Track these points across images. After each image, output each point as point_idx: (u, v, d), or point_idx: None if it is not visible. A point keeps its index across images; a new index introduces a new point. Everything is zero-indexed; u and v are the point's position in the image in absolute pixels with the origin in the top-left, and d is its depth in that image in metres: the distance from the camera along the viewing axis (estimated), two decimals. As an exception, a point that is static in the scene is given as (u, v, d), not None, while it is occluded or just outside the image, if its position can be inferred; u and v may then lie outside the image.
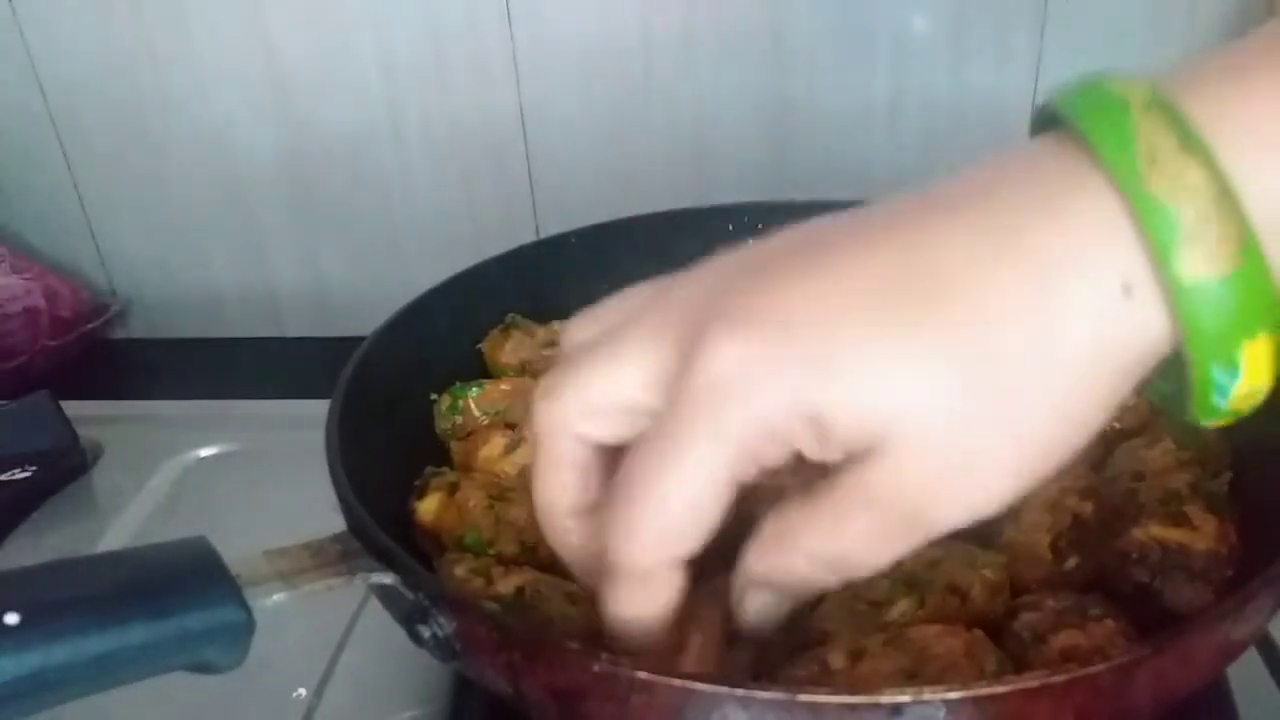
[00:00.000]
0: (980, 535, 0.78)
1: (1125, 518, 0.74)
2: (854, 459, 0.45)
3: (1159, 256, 0.40)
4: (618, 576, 0.51)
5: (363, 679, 0.85)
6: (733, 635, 0.60)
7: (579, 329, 0.55)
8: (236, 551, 0.61)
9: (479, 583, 0.72)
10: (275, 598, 0.61)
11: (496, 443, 0.85)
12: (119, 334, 1.45)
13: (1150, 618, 0.68)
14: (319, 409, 0.78)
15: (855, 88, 1.20)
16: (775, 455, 0.46)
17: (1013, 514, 0.77)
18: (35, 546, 1.01)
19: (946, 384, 0.42)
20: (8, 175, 1.37)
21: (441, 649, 0.64)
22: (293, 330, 1.42)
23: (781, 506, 0.50)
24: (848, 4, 1.14)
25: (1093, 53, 1.16)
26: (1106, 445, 0.84)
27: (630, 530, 0.49)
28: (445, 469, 0.84)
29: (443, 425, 0.90)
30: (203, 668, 0.59)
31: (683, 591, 0.53)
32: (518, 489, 0.82)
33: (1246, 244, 0.39)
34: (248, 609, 0.59)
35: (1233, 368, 0.41)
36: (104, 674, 0.55)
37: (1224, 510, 0.74)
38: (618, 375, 0.49)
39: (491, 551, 0.77)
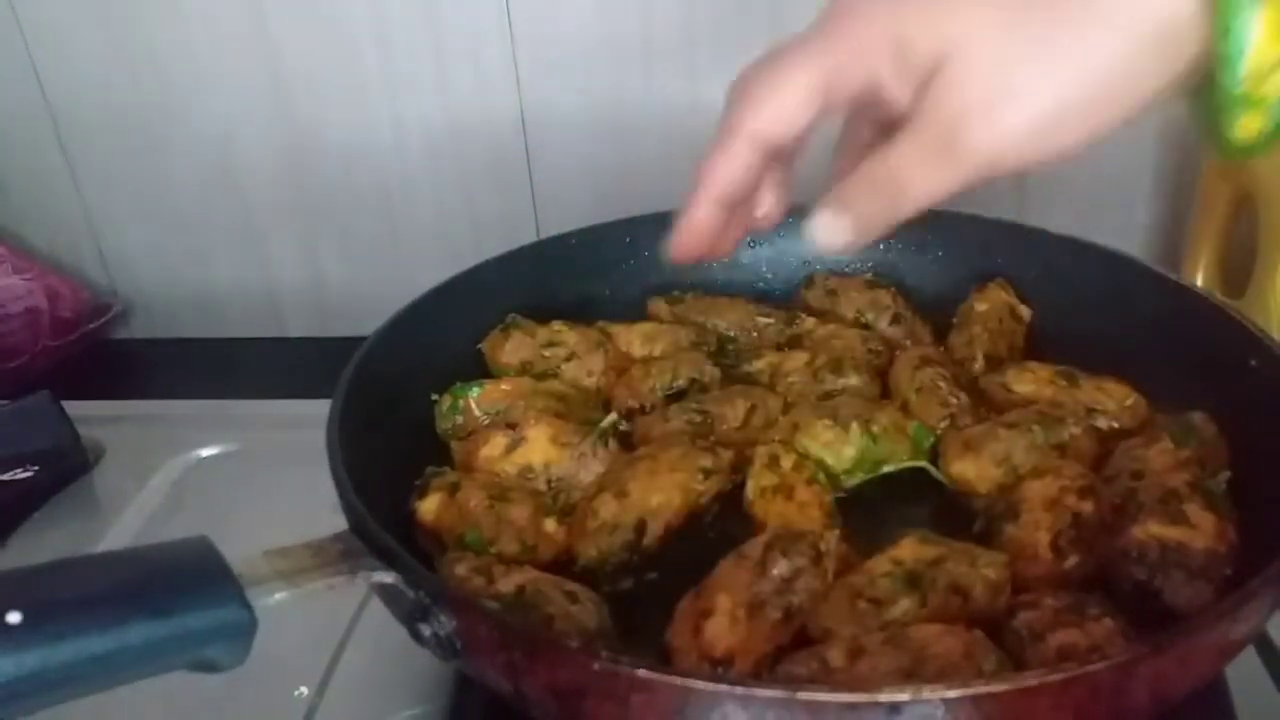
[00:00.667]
0: (981, 534, 0.79)
1: (1125, 516, 0.74)
2: (920, 96, 0.54)
3: None
4: (718, 139, 0.61)
5: (364, 677, 0.85)
6: None
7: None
8: (238, 551, 0.61)
9: (480, 581, 0.72)
10: (277, 597, 0.61)
11: (497, 442, 0.86)
12: (120, 334, 1.45)
13: (1150, 616, 0.69)
14: (320, 409, 0.78)
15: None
16: (859, 76, 0.56)
17: (1013, 513, 0.77)
18: (37, 546, 1.02)
19: (1004, 16, 0.51)
20: (9, 175, 1.37)
21: (442, 647, 0.64)
22: (294, 330, 1.42)
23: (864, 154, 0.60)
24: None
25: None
26: (1105, 445, 0.85)
27: (733, 101, 0.60)
28: (446, 469, 0.84)
29: (443, 425, 0.90)
30: (205, 667, 0.59)
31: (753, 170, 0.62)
32: (518, 489, 0.82)
33: None
34: (249, 608, 0.59)
35: (1242, 36, 0.47)
36: (106, 673, 0.55)
37: (1223, 509, 0.75)
38: (795, 87, 0.58)
39: (492, 550, 0.78)
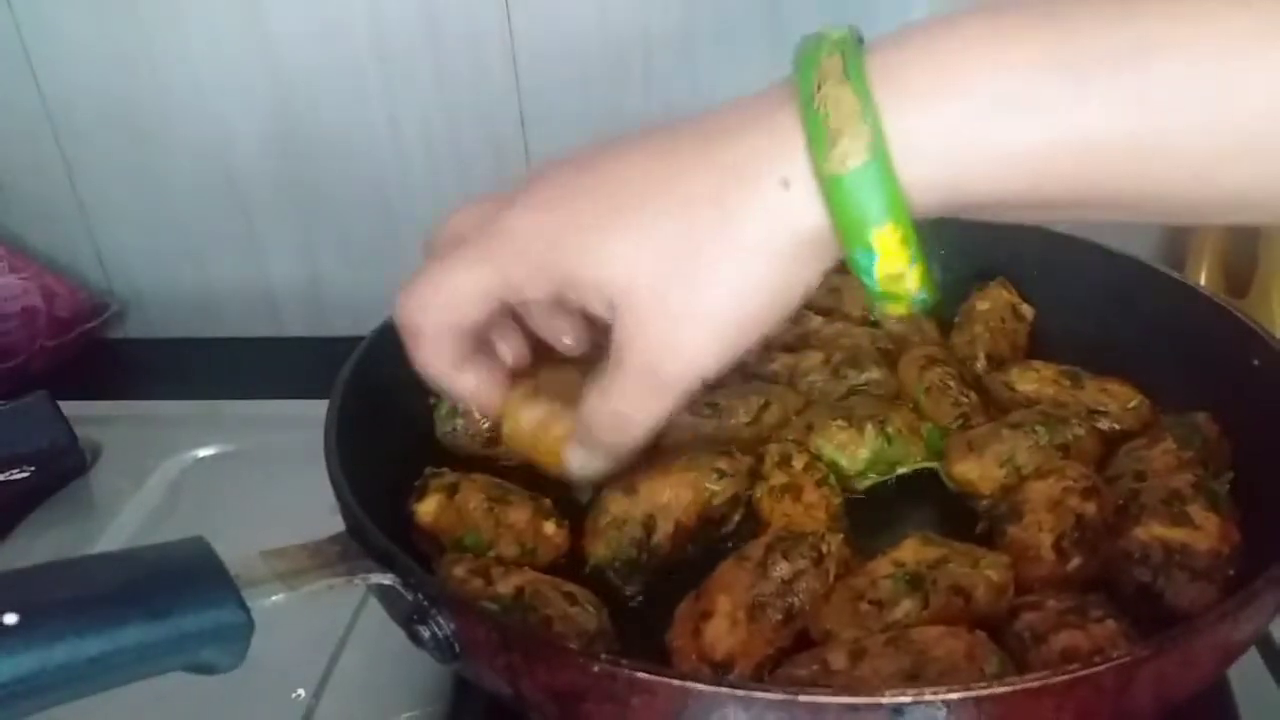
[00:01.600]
0: (984, 535, 0.79)
1: (1128, 517, 0.74)
2: (609, 317, 0.57)
3: (812, 154, 0.50)
4: (406, 338, 0.65)
5: (362, 680, 0.85)
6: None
7: (434, 236, 0.67)
8: (235, 552, 0.61)
9: (478, 583, 0.72)
10: (274, 598, 0.61)
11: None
12: (117, 334, 1.44)
13: (1153, 617, 0.68)
14: (317, 409, 0.78)
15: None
16: (540, 294, 0.59)
17: (1016, 514, 0.77)
18: (33, 547, 1.01)
19: (654, 259, 0.55)
20: (5, 175, 1.37)
21: (441, 650, 0.64)
22: (291, 330, 1.42)
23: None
24: (847, 2, 1.14)
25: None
26: (1108, 445, 0.85)
27: (410, 299, 0.64)
28: (445, 470, 0.84)
29: (444, 429, 0.90)
30: (201, 668, 0.59)
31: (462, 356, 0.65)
32: (517, 491, 0.82)
33: (876, 148, 0.49)
34: (246, 610, 0.58)
35: (868, 250, 0.51)
36: (102, 674, 0.55)
37: (1226, 509, 0.74)
38: (455, 285, 0.62)
39: (491, 553, 0.77)
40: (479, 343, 0.67)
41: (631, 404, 0.60)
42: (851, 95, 0.49)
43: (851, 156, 0.49)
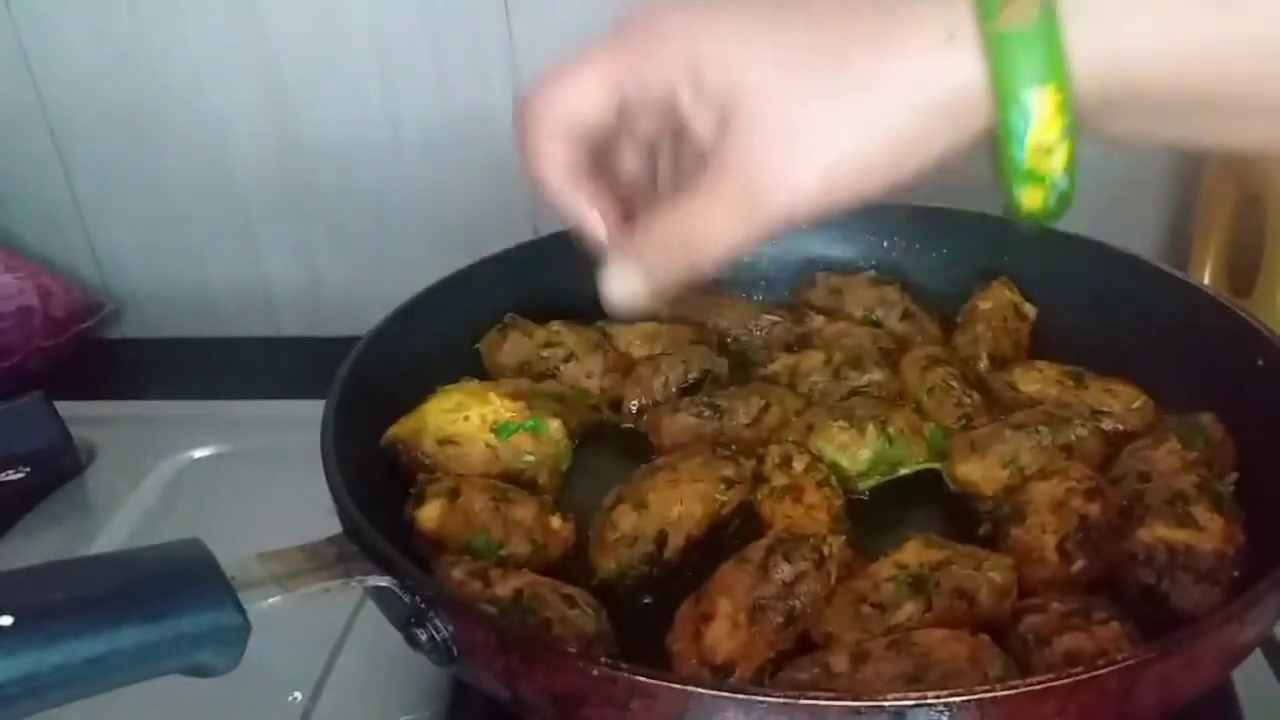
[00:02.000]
0: (987, 537, 0.78)
1: (1132, 518, 0.74)
2: (716, 138, 0.55)
3: (979, 14, 0.49)
4: (523, 133, 0.61)
5: (359, 683, 0.84)
6: None
7: None
8: (231, 554, 0.60)
9: (477, 585, 0.71)
10: (270, 600, 0.60)
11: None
12: (113, 334, 1.44)
13: (1157, 619, 0.68)
14: (314, 410, 0.78)
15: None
16: (658, 85, 0.56)
17: (1019, 515, 0.77)
18: (29, 548, 1.01)
19: (794, 69, 0.52)
20: (2, 174, 1.36)
21: (439, 652, 0.64)
22: (288, 330, 1.42)
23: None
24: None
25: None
26: (1112, 446, 0.84)
27: (534, 92, 0.60)
28: (439, 475, 0.83)
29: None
30: (198, 671, 0.59)
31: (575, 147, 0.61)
32: (516, 489, 0.81)
33: (1044, 10, 0.48)
34: (243, 612, 0.58)
35: (1025, 112, 0.50)
36: (98, 676, 0.55)
37: (1231, 510, 0.74)
38: (587, 70, 0.59)
39: (503, 552, 0.77)
40: (592, 160, 0.62)
41: (711, 222, 0.56)
42: None
43: (1022, 14, 0.48)
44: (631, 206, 0.64)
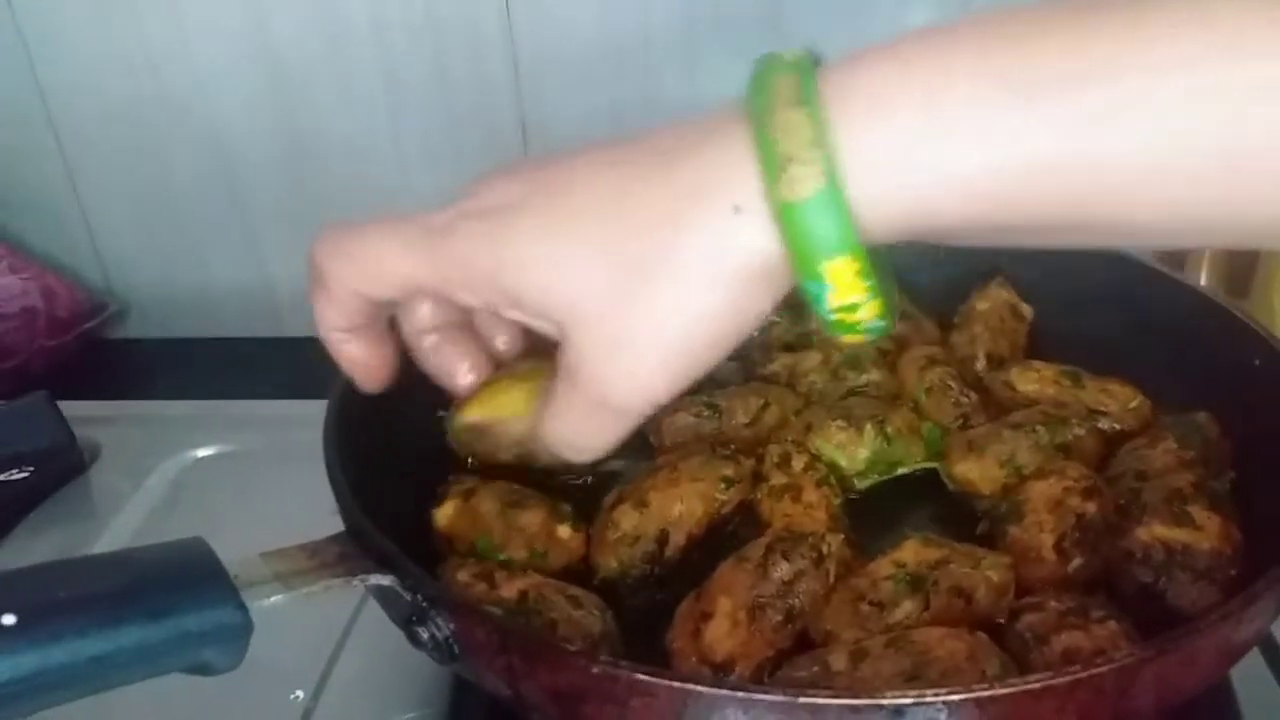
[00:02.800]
0: (985, 536, 0.78)
1: (1129, 517, 0.74)
2: (559, 349, 0.56)
3: (764, 181, 0.48)
4: (312, 274, 0.62)
5: (361, 681, 0.85)
6: None
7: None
8: (234, 553, 0.60)
9: (482, 587, 0.71)
10: (273, 599, 0.60)
11: None
12: (116, 334, 1.44)
13: (1154, 618, 0.68)
14: (317, 409, 0.78)
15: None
16: (479, 303, 0.58)
17: (1017, 514, 0.77)
18: (32, 547, 1.01)
19: (603, 283, 0.52)
20: (5, 175, 1.37)
21: (440, 651, 0.64)
22: (291, 329, 1.41)
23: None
24: (846, 2, 1.14)
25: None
26: (1109, 445, 0.84)
27: (333, 245, 0.62)
28: (465, 476, 0.84)
29: (454, 437, 0.89)
30: (200, 669, 0.59)
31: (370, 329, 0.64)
32: (534, 494, 0.82)
33: (829, 174, 0.47)
34: (245, 610, 0.58)
35: (819, 282, 0.49)
36: (101, 675, 0.55)
37: (1227, 509, 0.74)
38: (384, 257, 0.60)
39: (502, 556, 0.77)
40: (379, 316, 0.64)
41: (584, 428, 0.58)
42: (805, 119, 0.47)
43: (802, 183, 0.47)
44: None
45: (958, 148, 0.47)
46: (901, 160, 0.47)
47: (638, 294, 0.52)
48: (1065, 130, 0.45)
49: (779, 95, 0.48)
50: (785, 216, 0.48)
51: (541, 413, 0.60)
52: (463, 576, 0.73)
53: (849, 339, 0.54)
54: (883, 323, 0.52)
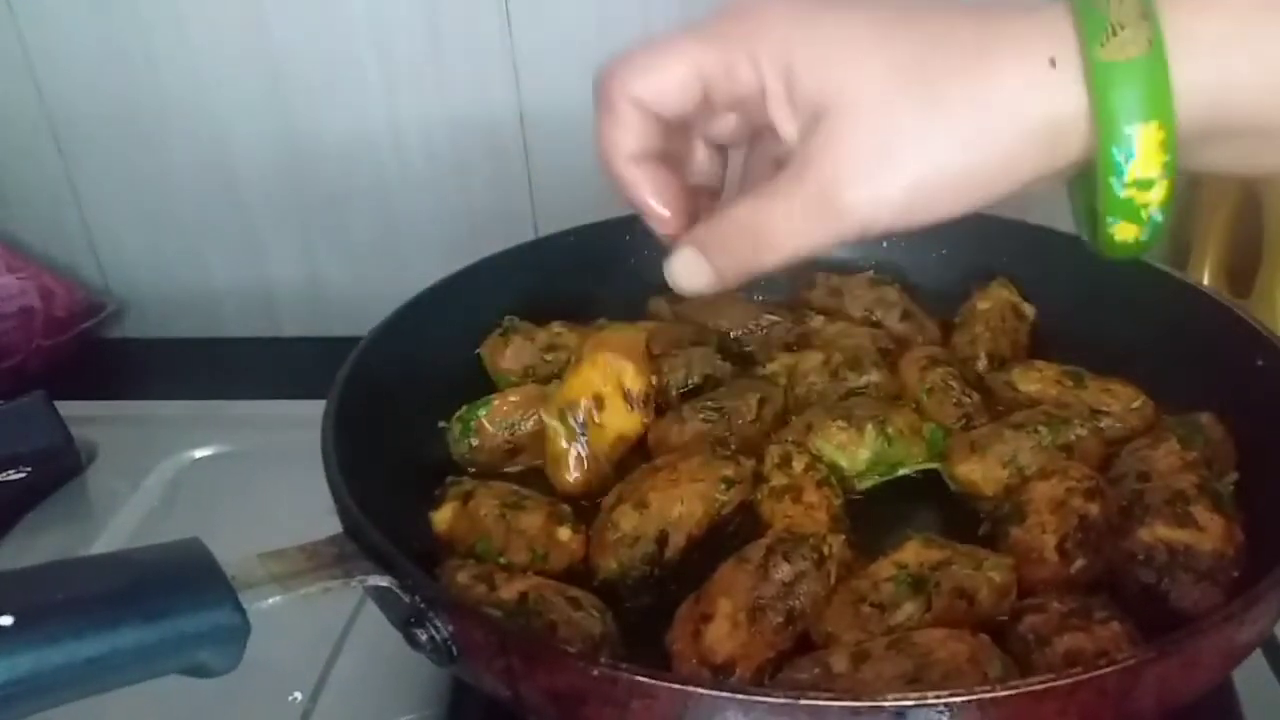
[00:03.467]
0: (987, 537, 0.78)
1: (1131, 518, 0.74)
2: (802, 138, 0.55)
3: (1084, 41, 0.49)
4: (599, 107, 0.62)
5: (359, 683, 0.84)
6: None
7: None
8: (231, 554, 0.60)
9: (481, 589, 0.71)
10: (270, 600, 0.60)
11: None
12: (114, 334, 1.44)
13: (1157, 619, 0.68)
14: (315, 410, 0.78)
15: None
16: (748, 81, 0.56)
17: (1019, 515, 0.77)
18: (29, 548, 1.01)
19: (893, 79, 0.52)
20: (4, 174, 1.37)
21: (439, 653, 0.64)
22: (289, 330, 1.42)
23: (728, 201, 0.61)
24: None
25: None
26: (1111, 446, 0.84)
27: (621, 64, 0.60)
28: (464, 478, 0.84)
29: (459, 451, 0.89)
30: (198, 671, 0.59)
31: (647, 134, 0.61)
32: (533, 496, 0.81)
33: (1154, 45, 0.48)
34: (243, 612, 0.58)
35: (1128, 147, 0.49)
36: (99, 676, 0.55)
37: (1230, 510, 0.74)
38: (675, 56, 0.58)
39: (502, 560, 0.77)
40: (668, 143, 0.62)
41: (784, 221, 0.55)
42: None
43: (1131, 46, 0.48)
44: (694, 202, 0.64)
45: (1275, 34, 0.48)
46: (1221, 40, 0.49)
47: (927, 111, 0.52)
48: None
49: None
50: (1104, 76, 0.49)
51: (739, 203, 0.58)
52: (462, 578, 0.72)
53: (1124, 235, 0.53)
54: (1162, 216, 0.52)
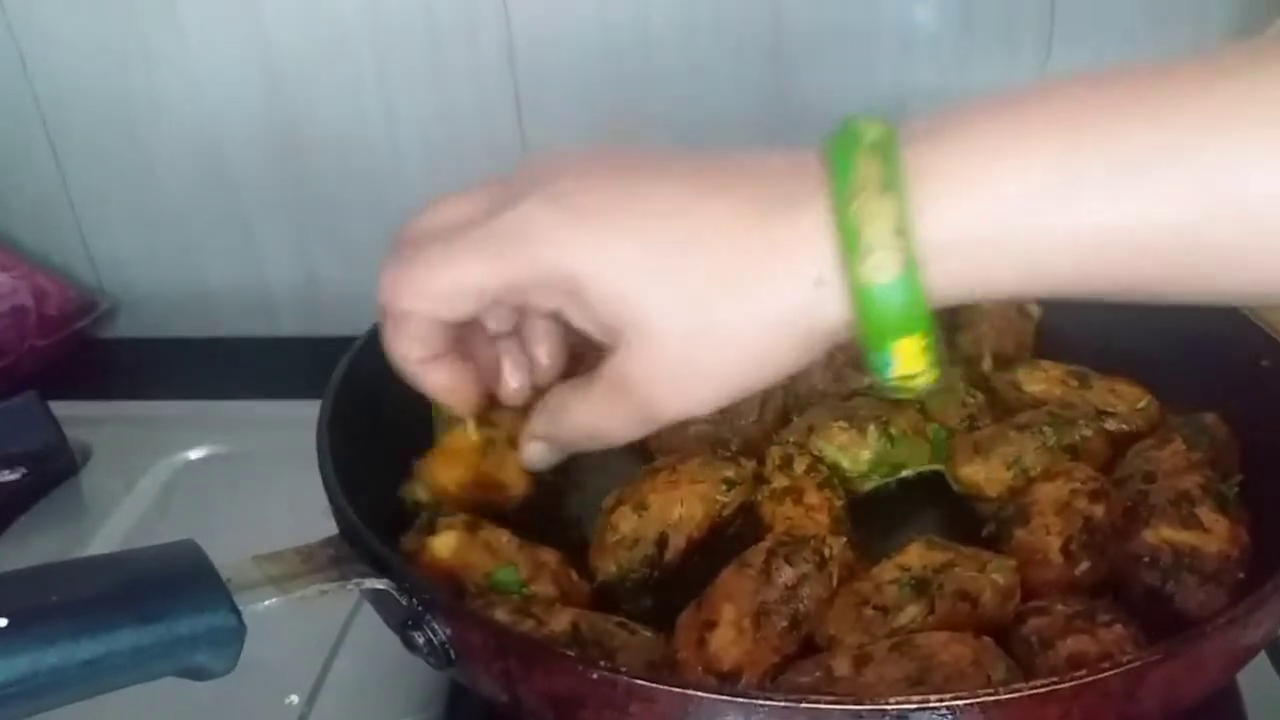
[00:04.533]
0: (990, 539, 0.78)
1: (1136, 520, 0.74)
2: (610, 349, 0.59)
3: (845, 258, 0.52)
4: (385, 318, 0.65)
5: (356, 686, 0.84)
6: None
7: (425, 218, 0.65)
8: (227, 555, 0.60)
9: (530, 624, 0.68)
10: (266, 603, 0.60)
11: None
12: (108, 333, 1.43)
13: (1161, 621, 0.68)
14: (311, 410, 0.77)
15: (858, 83, 1.19)
16: (542, 301, 0.60)
17: (1023, 517, 0.76)
18: (23, 550, 1.00)
19: (684, 305, 0.55)
20: (-3, 172, 1.36)
21: (436, 655, 0.64)
22: (284, 329, 1.41)
23: (562, 386, 0.67)
24: (848, 3, 1.14)
25: (1101, 44, 1.15)
26: (1117, 447, 0.84)
27: (403, 281, 0.62)
28: (441, 510, 0.80)
29: (440, 432, 0.89)
30: (194, 673, 0.58)
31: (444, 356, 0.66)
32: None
33: (908, 265, 0.51)
34: (238, 614, 0.58)
35: (887, 356, 0.54)
36: (94, 679, 0.54)
37: (1235, 512, 0.74)
38: (457, 275, 0.60)
39: (526, 591, 0.73)
40: (457, 337, 0.67)
41: (612, 425, 0.62)
42: (890, 209, 0.51)
43: (883, 270, 0.51)
44: (485, 377, 0.71)
45: (1033, 224, 0.51)
46: (978, 239, 0.51)
47: (714, 330, 0.56)
48: (1152, 206, 0.49)
49: (863, 179, 0.51)
50: (863, 297, 0.52)
51: (568, 399, 0.65)
52: (502, 615, 0.68)
53: (899, 395, 0.61)
54: (933, 384, 0.56)
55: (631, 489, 0.80)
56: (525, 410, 0.74)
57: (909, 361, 0.54)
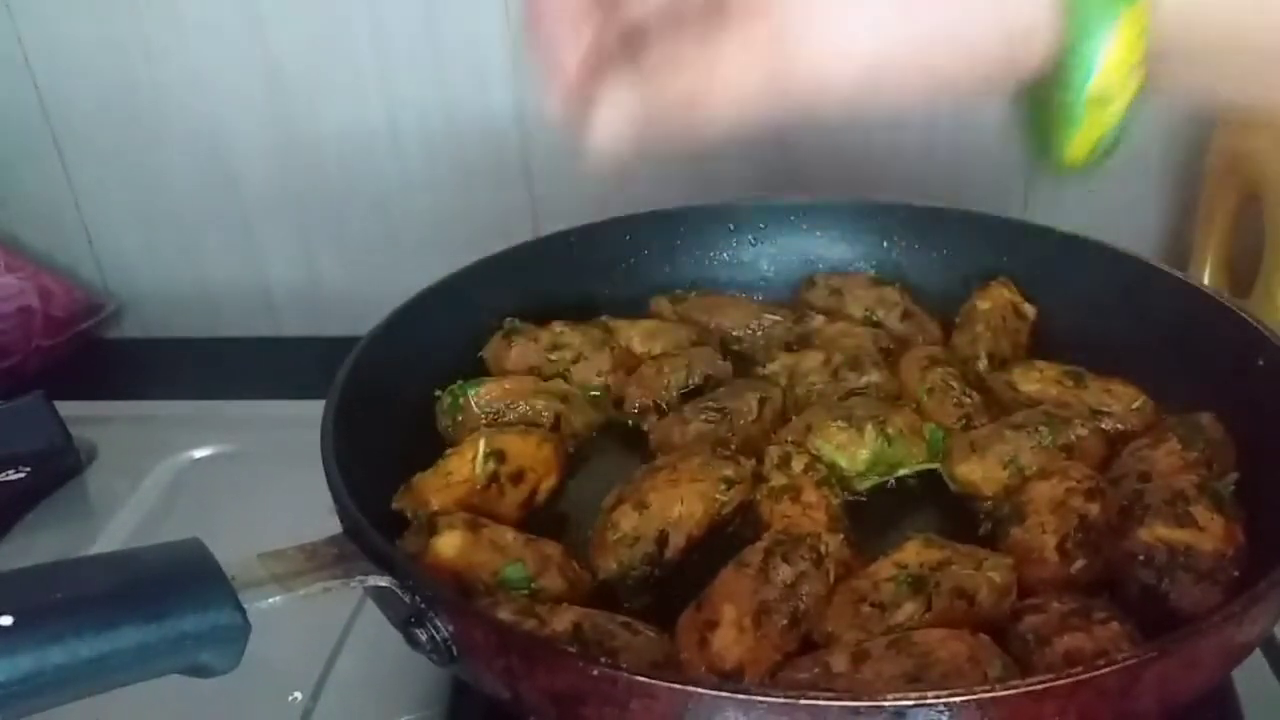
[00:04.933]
0: (987, 537, 0.78)
1: (1131, 518, 0.74)
2: None
3: None
4: None
5: (359, 683, 0.84)
6: None
7: None
8: (231, 554, 0.60)
9: (532, 623, 0.68)
10: (270, 600, 0.60)
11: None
12: (113, 334, 1.44)
13: (1157, 619, 0.68)
14: (315, 409, 0.78)
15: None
16: None
17: (1019, 515, 0.77)
18: (29, 548, 1.01)
19: None
20: (2, 174, 1.36)
21: (438, 652, 0.64)
22: (289, 330, 1.41)
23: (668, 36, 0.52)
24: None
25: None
26: (1112, 446, 0.84)
27: None
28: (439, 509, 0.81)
29: (444, 423, 0.89)
30: (198, 671, 0.59)
31: None
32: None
33: None
34: (242, 611, 0.58)
35: (1097, 49, 0.47)
36: (99, 676, 0.55)
37: (1230, 510, 0.74)
38: None
39: (534, 586, 0.74)
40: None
41: (727, 69, 0.49)
42: None
43: None
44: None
45: None
46: None
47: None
48: None
49: None
50: None
51: (685, 47, 0.50)
52: (505, 615, 0.69)
53: (1074, 155, 0.51)
54: (1118, 130, 0.50)
55: (632, 487, 0.80)
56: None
57: (1117, 64, 0.47)
